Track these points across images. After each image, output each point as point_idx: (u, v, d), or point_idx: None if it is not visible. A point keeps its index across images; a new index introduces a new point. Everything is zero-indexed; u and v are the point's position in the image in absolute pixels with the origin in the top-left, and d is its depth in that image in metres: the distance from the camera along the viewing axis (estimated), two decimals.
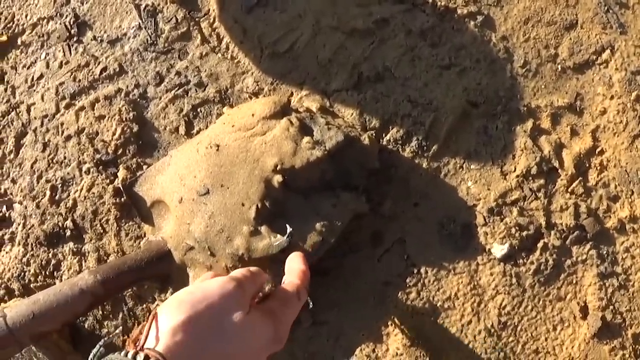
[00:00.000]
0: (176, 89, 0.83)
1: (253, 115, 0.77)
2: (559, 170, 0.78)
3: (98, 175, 0.83)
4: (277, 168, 0.73)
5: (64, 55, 0.88)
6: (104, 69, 0.86)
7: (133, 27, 0.87)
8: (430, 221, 0.78)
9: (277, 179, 0.73)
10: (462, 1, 0.82)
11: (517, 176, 0.77)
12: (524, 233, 0.76)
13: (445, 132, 0.79)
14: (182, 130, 0.82)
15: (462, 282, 0.75)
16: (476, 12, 0.82)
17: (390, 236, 0.78)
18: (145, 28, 0.85)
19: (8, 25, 0.92)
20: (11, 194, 0.86)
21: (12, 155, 0.88)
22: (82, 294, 0.76)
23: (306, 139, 0.74)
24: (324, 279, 0.76)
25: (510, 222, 0.76)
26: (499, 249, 0.77)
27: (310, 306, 0.68)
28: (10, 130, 0.88)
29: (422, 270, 0.76)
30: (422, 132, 0.78)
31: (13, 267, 0.84)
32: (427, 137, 0.78)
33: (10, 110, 0.89)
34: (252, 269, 0.56)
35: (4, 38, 0.91)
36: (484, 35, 0.81)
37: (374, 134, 0.77)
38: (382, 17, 0.81)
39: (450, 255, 0.76)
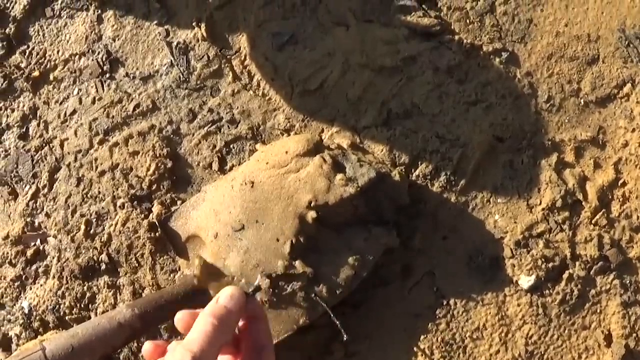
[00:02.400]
0: (209, 125, 0.98)
1: (287, 152, 0.91)
2: (583, 203, 0.92)
3: (133, 210, 0.97)
4: (311, 204, 0.87)
5: (97, 91, 1.03)
6: (137, 105, 1.01)
7: (165, 65, 1.02)
8: (459, 254, 0.92)
9: (311, 215, 0.87)
10: (487, 38, 0.97)
11: (543, 209, 0.92)
12: (550, 264, 0.90)
13: (473, 167, 0.93)
14: (215, 166, 0.97)
15: (490, 312, 0.89)
16: (501, 48, 0.96)
17: (419, 269, 0.92)
18: (177, 65, 1.00)
19: (40, 61, 1.07)
20: (45, 227, 1.01)
21: (46, 190, 1.02)
22: (120, 328, 0.89)
23: (339, 176, 0.88)
24: (355, 311, 0.90)
25: (537, 254, 0.90)
26: (525, 280, 0.91)
27: (345, 338, 0.82)
28: (44, 165, 1.03)
29: (451, 301, 0.90)
30: (450, 167, 0.93)
31: (48, 300, 0.98)
32: (455, 172, 0.93)
33: (44, 145, 1.04)
34: (221, 308, 0.52)
35: (36, 73, 1.05)
36: (509, 72, 0.96)
37: (403, 170, 0.92)
38: (410, 55, 0.96)
39: (478, 287, 0.90)
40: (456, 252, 0.93)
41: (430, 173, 0.94)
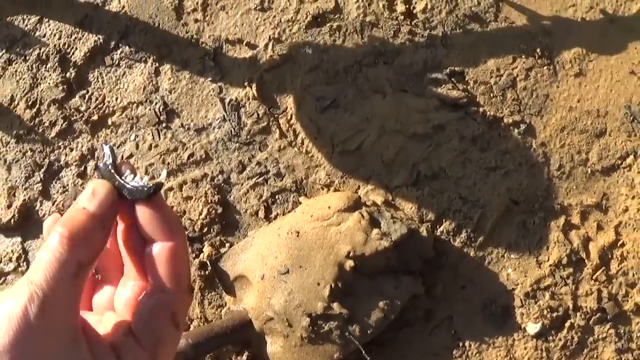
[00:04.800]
0: (257, 177, 1.26)
1: (329, 207, 1.20)
2: (586, 261, 1.22)
3: None
4: (350, 255, 1.15)
5: (153, 138, 1.30)
6: (191, 154, 1.29)
7: (218, 119, 1.30)
8: (475, 302, 1.21)
9: (349, 264, 1.15)
10: (507, 111, 1.25)
11: (550, 265, 1.21)
12: (554, 314, 1.19)
13: (490, 226, 1.22)
14: (261, 214, 1.25)
15: (500, 354, 1.19)
16: (520, 120, 1.25)
17: (440, 314, 1.21)
18: (229, 120, 1.28)
19: (99, 106, 1.34)
20: None
21: None
22: (176, 356, 1.17)
23: (375, 231, 1.16)
24: (382, 349, 1.19)
25: (543, 305, 1.19)
26: (532, 327, 1.20)
27: None
28: None
29: (467, 343, 1.19)
30: (471, 226, 1.21)
31: None
32: (474, 230, 1.22)
33: None
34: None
35: (95, 117, 1.33)
36: (526, 142, 1.25)
37: (430, 226, 1.21)
38: (439, 124, 1.25)
39: (490, 332, 1.19)
40: (473, 300, 1.22)
41: (453, 230, 1.23)
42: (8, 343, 0.37)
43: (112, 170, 0.46)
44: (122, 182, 0.45)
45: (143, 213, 0.45)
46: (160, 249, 0.45)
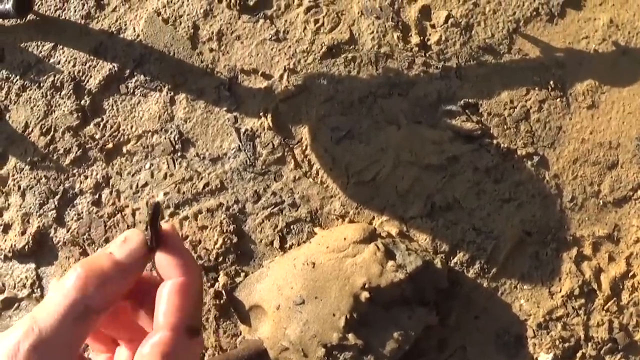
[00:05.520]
0: (272, 207, 1.32)
1: (345, 239, 1.26)
2: (597, 292, 1.28)
3: None
4: (365, 286, 1.21)
5: (168, 167, 1.36)
6: (207, 184, 1.35)
7: (233, 149, 1.36)
8: (488, 332, 1.27)
9: (365, 295, 1.21)
10: (521, 143, 1.32)
11: (562, 296, 1.27)
12: (566, 344, 1.26)
13: (504, 257, 1.28)
14: (276, 244, 1.31)
15: None
16: (533, 152, 1.32)
17: (453, 344, 1.27)
18: (244, 150, 1.34)
19: (114, 134, 1.40)
20: None
21: None
22: None
23: (390, 262, 1.23)
24: None
25: (555, 335, 1.25)
26: (545, 358, 1.27)
27: None
28: (117, 231, 1.36)
29: None
30: (485, 257, 1.28)
31: None
32: (488, 261, 1.28)
33: (116, 212, 1.37)
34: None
35: (110, 145, 1.39)
36: (539, 174, 1.31)
37: (444, 257, 1.27)
38: (453, 155, 1.31)
39: None
40: (486, 330, 1.28)
41: (466, 261, 1.29)
42: None
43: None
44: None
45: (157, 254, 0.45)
46: (167, 285, 0.44)
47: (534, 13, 1.40)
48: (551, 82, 1.36)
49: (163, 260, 0.45)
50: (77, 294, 0.40)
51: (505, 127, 1.35)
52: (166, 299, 0.43)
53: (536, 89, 1.36)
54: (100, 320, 0.43)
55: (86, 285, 0.41)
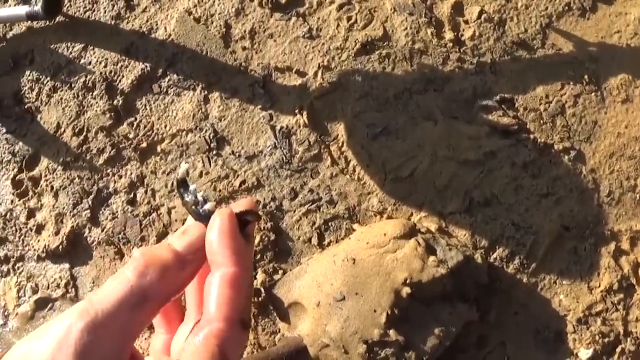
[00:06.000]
0: (309, 204, 1.33)
1: (385, 234, 1.26)
2: (636, 286, 1.28)
3: None
4: (407, 281, 1.21)
5: (204, 165, 1.37)
6: (243, 182, 1.35)
7: (269, 146, 1.36)
8: (528, 328, 1.27)
9: (406, 290, 1.21)
10: (558, 137, 1.32)
11: (602, 291, 1.27)
12: (606, 340, 1.26)
13: (543, 252, 1.29)
14: (314, 241, 1.31)
15: None
16: (569, 147, 1.32)
17: (493, 340, 1.27)
18: (280, 148, 1.34)
19: (148, 133, 1.40)
20: None
21: None
22: None
23: (432, 258, 1.23)
24: None
25: (595, 330, 1.26)
26: (584, 353, 1.27)
27: None
28: (152, 230, 1.36)
29: None
30: (524, 252, 1.28)
31: None
32: (527, 256, 1.28)
33: (152, 211, 1.37)
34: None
35: (144, 145, 1.39)
36: (576, 168, 1.31)
37: (483, 253, 1.27)
38: (491, 150, 1.31)
39: (543, 358, 1.26)
40: (525, 326, 1.28)
41: (506, 256, 1.29)
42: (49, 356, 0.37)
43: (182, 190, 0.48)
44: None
45: (207, 238, 0.45)
46: (216, 276, 0.43)
47: (566, 8, 1.40)
48: (585, 77, 1.37)
49: (215, 249, 0.45)
50: (136, 281, 0.41)
51: (541, 121, 1.36)
52: (218, 290, 0.43)
53: (571, 83, 1.36)
54: (157, 311, 0.43)
55: (145, 273, 0.41)
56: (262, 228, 1.36)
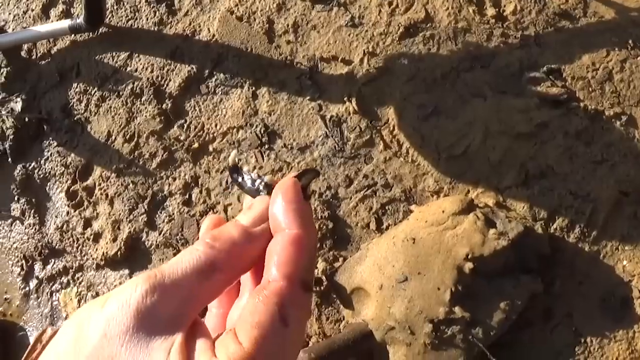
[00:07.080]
0: (365, 190, 1.35)
1: (443, 211, 1.27)
2: None
3: None
4: (468, 256, 1.23)
5: (257, 160, 1.39)
6: None
7: (320, 136, 1.39)
8: (593, 297, 1.28)
9: (469, 266, 1.22)
10: (608, 104, 1.33)
11: None
12: None
13: (603, 220, 1.29)
14: (372, 226, 1.33)
15: (621, 348, 1.25)
16: (620, 112, 1.33)
17: (559, 311, 1.28)
18: (332, 136, 1.37)
19: (199, 134, 1.43)
20: None
21: None
22: None
23: (492, 230, 1.24)
24: (505, 351, 1.25)
25: None
26: None
27: None
28: None
29: (588, 340, 1.27)
30: (584, 220, 1.29)
31: None
32: (587, 225, 1.29)
33: (208, 210, 1.40)
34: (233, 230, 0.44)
35: (196, 145, 1.42)
36: (629, 133, 1.33)
37: (543, 224, 1.28)
38: (542, 121, 1.33)
39: (610, 325, 1.26)
40: (591, 295, 1.29)
41: (566, 226, 1.30)
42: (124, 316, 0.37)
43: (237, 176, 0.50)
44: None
45: (271, 209, 0.44)
46: (280, 236, 0.43)
47: None
48: (630, 42, 1.38)
49: (279, 213, 0.44)
50: (204, 250, 0.41)
51: (590, 89, 1.37)
52: (281, 250, 0.42)
53: (616, 49, 1.38)
54: (226, 284, 0.43)
55: (214, 245, 0.42)
56: (319, 217, 1.38)
